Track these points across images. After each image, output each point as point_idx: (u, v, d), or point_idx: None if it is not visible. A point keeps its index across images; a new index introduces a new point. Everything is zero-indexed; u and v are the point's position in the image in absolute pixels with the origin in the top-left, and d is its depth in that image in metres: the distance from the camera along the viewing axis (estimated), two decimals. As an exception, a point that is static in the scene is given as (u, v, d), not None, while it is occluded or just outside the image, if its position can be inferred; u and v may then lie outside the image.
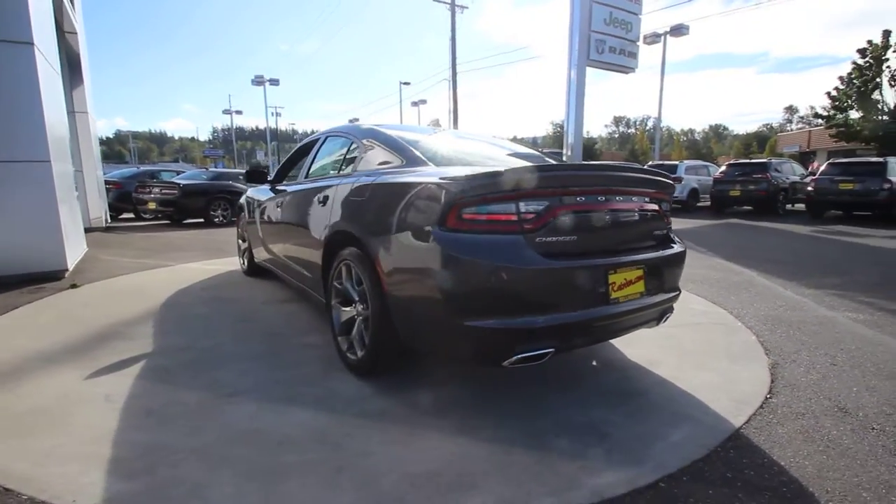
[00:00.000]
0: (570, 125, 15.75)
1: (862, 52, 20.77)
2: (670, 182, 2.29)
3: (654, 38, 18.49)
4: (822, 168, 10.92)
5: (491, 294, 1.69)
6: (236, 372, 2.39)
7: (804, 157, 29.40)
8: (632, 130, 76.86)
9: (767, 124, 70.13)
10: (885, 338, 3.03)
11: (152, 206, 9.66)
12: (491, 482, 1.54)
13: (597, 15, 15.08)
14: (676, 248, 2.27)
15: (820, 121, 24.12)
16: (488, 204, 1.71)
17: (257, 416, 1.95)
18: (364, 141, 2.58)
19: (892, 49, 20.05)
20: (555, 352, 1.79)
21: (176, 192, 9.58)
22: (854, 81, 21.03)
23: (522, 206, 1.73)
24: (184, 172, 12.35)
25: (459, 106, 28.53)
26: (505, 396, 2.17)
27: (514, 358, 1.74)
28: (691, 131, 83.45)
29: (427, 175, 1.91)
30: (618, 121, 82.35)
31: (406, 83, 34.50)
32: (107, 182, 10.05)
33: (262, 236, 3.97)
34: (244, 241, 4.81)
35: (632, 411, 2.05)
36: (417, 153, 2.27)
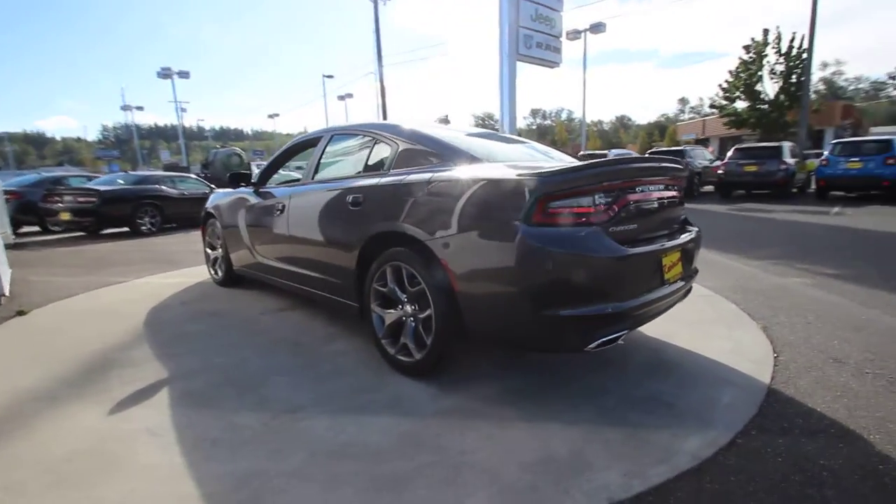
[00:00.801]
0: (505, 117, 16.25)
1: (747, 48, 23.61)
2: (685, 170, 2.52)
3: (575, 35, 19.61)
4: (729, 153, 12.34)
5: (580, 284, 1.79)
6: (282, 387, 2.26)
7: (699, 144, 32.93)
8: (549, 122, 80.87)
9: (664, 115, 77.22)
10: (833, 297, 3.57)
11: (66, 216, 8.51)
12: (603, 459, 1.64)
13: (524, 11, 15.64)
14: (696, 231, 2.51)
15: (714, 110, 27.08)
16: (570, 198, 1.79)
17: (337, 430, 1.88)
18: (394, 138, 2.52)
19: (770, 46, 23.01)
20: (626, 333, 1.93)
21: (95, 199, 8.53)
22: (741, 75, 23.86)
23: (598, 199, 1.83)
24: (97, 177, 11.00)
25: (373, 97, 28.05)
26: (559, 381, 2.28)
27: (597, 342, 1.85)
28: (600, 122, 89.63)
29: (498, 171, 1.94)
30: (535, 112, 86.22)
31: (329, 76, 33.32)
32: (4, 192, 8.68)
33: (249, 243, 3.72)
34: (214, 249, 4.47)
35: (679, 381, 2.26)
36: (463, 149, 2.29)
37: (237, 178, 3.75)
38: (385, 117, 27.03)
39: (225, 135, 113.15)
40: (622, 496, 1.47)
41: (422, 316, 2.20)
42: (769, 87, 23.62)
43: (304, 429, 1.89)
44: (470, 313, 1.99)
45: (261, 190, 3.67)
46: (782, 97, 23.04)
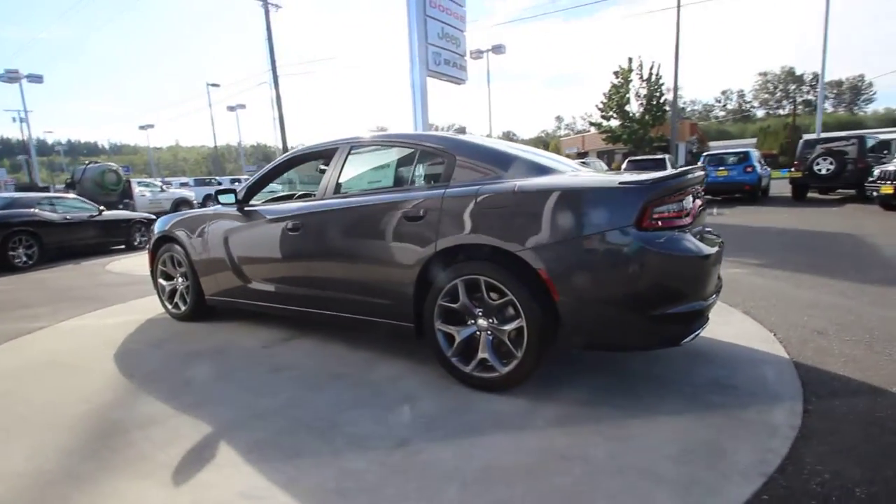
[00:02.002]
0: (419, 130, 16.66)
1: (616, 74, 27.03)
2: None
3: (478, 54, 20.70)
4: (623, 165, 14.00)
5: (683, 282, 1.94)
6: (366, 422, 2.06)
7: (580, 157, 36.78)
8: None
9: (544, 130, 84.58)
10: (772, 283, 4.26)
11: None
12: (729, 443, 1.78)
13: (431, 29, 16.23)
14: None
15: (593, 127, 30.38)
16: (667, 204, 1.94)
17: (465, 456, 1.77)
18: (447, 150, 2.45)
19: (634, 72, 26.61)
20: (704, 328, 2.13)
21: (-53, 229, 6.82)
22: (613, 97, 27.21)
23: (684, 204, 2.01)
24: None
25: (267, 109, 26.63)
26: (630, 375, 2.41)
27: (690, 336, 2.01)
28: (489, 135, 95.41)
29: (598, 180, 2.03)
30: (428, 128, 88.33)
31: (215, 85, 30.58)
32: None
33: (237, 267, 3.30)
34: (171, 279, 3.88)
35: (722, 364, 2.52)
36: (529, 160, 2.33)
37: (224, 194, 3.32)
38: (283, 129, 25.47)
39: (76, 149, 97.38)
40: (769, 470, 1.62)
41: (507, 328, 2.17)
42: (636, 108, 27.30)
43: (430, 461, 1.75)
44: (572, 320, 2.03)
45: (248, 208, 3.30)
46: (647, 117, 26.75)
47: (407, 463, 1.75)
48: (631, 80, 26.96)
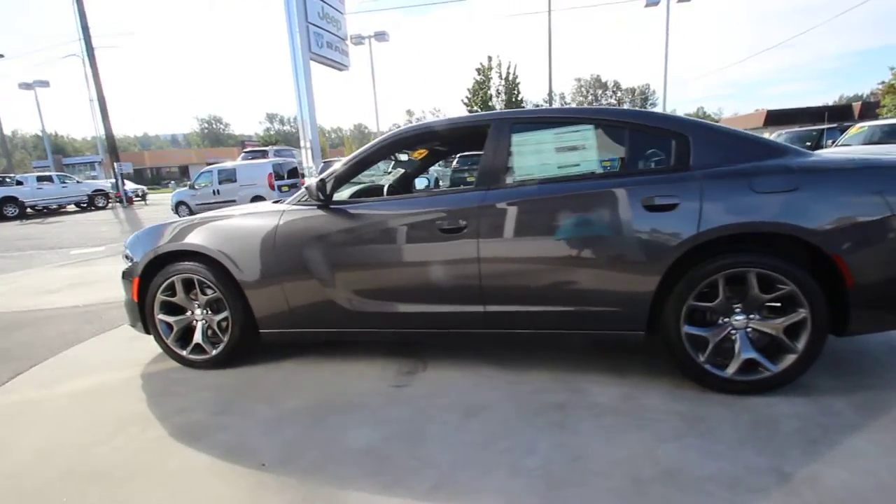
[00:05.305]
0: (305, 117, 15.36)
1: (478, 71, 28.48)
2: None
3: (359, 40, 19.48)
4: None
5: None
6: (698, 459, 1.67)
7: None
8: (287, 127, 77.33)
9: (396, 123, 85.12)
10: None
11: None
12: None
13: (311, 8, 14.98)
14: None
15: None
16: None
17: (863, 472, 1.56)
18: (677, 130, 2.11)
19: (493, 70, 28.39)
20: None
21: None
22: (478, 92, 28.65)
23: None
24: None
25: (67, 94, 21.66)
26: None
27: None
28: (339, 129, 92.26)
29: (883, 158, 1.95)
30: (271, 117, 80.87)
31: (-6, 54, 22.55)
32: None
33: (335, 284, 2.42)
34: (180, 312, 2.71)
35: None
36: (762, 140, 2.16)
37: (322, 187, 2.38)
38: (104, 110, 20.39)
39: None
40: None
41: (780, 322, 1.99)
42: (496, 104, 29.25)
43: (843, 488, 1.49)
44: (863, 305, 1.94)
45: (330, 206, 2.45)
46: (507, 112, 28.92)
47: (830, 497, 1.46)
48: (491, 78, 28.73)
